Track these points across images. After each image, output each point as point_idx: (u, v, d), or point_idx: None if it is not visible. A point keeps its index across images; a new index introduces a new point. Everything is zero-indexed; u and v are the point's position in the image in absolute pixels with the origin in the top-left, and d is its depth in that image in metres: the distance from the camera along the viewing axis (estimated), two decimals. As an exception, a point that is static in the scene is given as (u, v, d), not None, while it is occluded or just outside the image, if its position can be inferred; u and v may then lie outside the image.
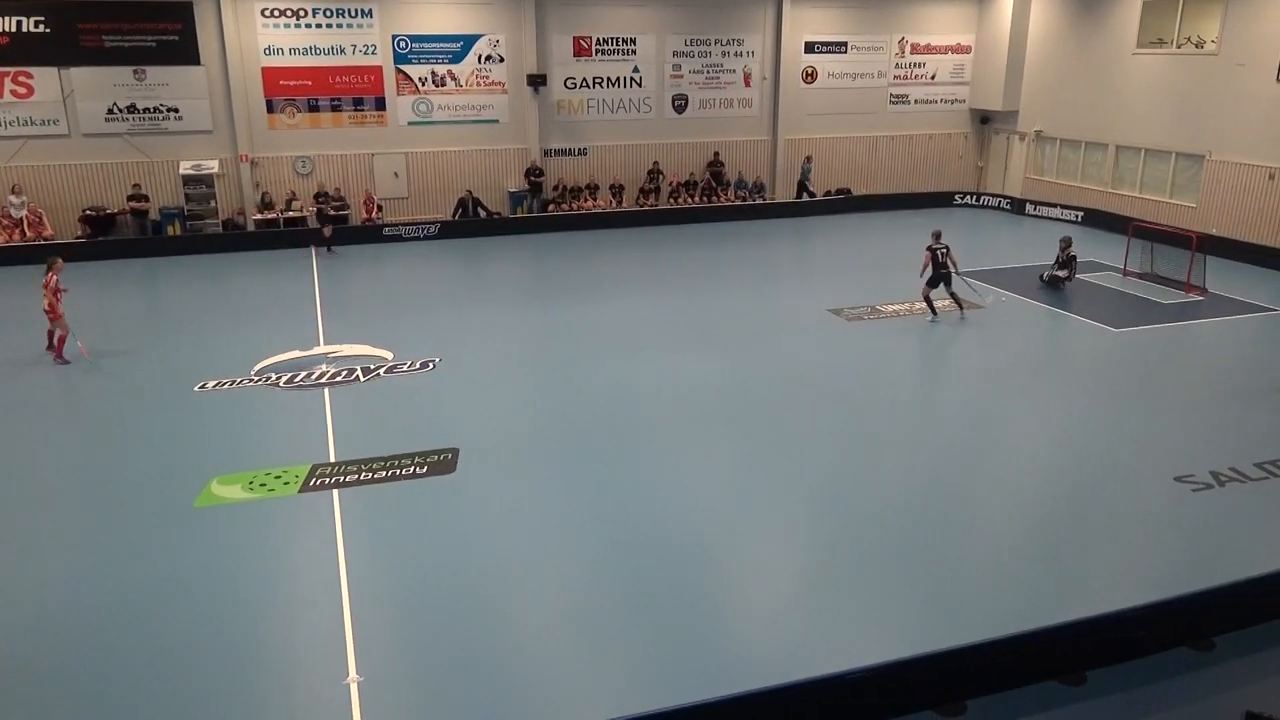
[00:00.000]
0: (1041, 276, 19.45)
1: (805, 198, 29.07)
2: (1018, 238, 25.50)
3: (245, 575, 8.74)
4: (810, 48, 29.15)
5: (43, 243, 22.82)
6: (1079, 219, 26.43)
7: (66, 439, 12.09)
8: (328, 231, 23.42)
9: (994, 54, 29.81)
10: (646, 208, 27.76)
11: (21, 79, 23.03)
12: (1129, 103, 25.80)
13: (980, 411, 12.79)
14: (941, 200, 30.03)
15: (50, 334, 15.00)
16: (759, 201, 28.85)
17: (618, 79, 27.67)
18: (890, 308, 17.65)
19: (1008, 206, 29.18)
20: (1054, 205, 27.53)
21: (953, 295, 17.15)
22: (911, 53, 30.15)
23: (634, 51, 27.59)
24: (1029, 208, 28.38)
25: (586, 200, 27.53)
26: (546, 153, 27.43)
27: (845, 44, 29.48)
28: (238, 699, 7.02)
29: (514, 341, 16.06)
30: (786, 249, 24.55)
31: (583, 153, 27.89)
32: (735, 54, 28.58)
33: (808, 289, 19.49)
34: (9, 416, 12.79)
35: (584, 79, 27.36)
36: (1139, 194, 25.71)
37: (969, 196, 30.25)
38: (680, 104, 28.40)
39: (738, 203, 28.58)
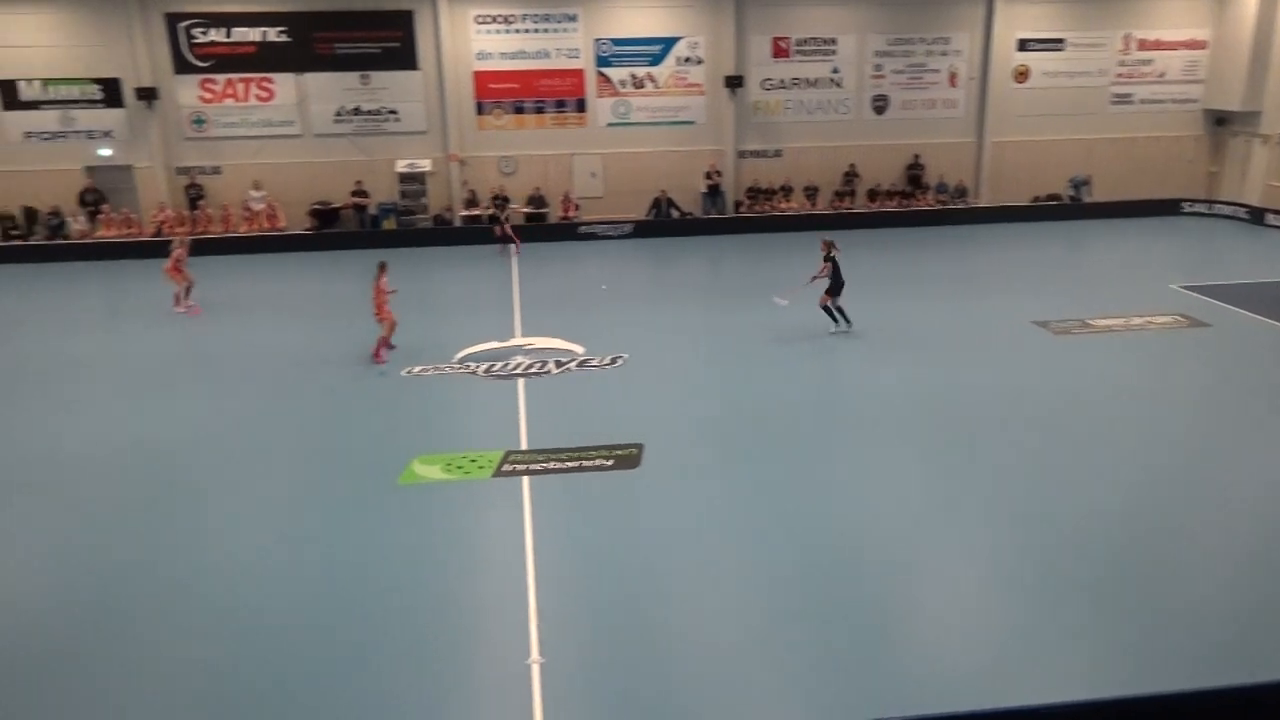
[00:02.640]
0: None
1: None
2: (1256, 250, 23.21)
3: (440, 551, 9.20)
4: (1024, 45, 27.65)
5: (276, 233, 24.98)
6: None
7: (289, 412, 13.14)
8: (498, 231, 24.12)
9: (1235, 49, 27.21)
10: (841, 210, 27.21)
11: (265, 84, 25.25)
12: (1398, 101, 22.96)
13: (1198, 440, 11.72)
14: (1166, 208, 27.76)
15: (384, 339, 15.21)
16: (961, 206, 27.67)
17: (816, 79, 27.26)
18: (1103, 322, 16.47)
19: (1246, 216, 26.58)
20: (1300, 215, 24.90)
21: (838, 307, 16.17)
22: (1138, 49, 28.03)
23: (834, 52, 27.10)
24: (1270, 217, 25.75)
25: (780, 202, 27.28)
26: (741, 154, 27.38)
27: (1062, 41, 27.76)
28: (426, 665, 7.39)
29: (702, 340, 16.11)
30: (989, 256, 23.42)
31: (778, 154, 27.65)
32: (941, 53, 27.52)
33: (1011, 299, 18.48)
34: (231, 393, 14.02)
35: (782, 80, 27.12)
36: (1406, 204, 22.83)
37: (1199, 204, 27.82)
38: (880, 105, 27.65)
39: (938, 207, 27.53)
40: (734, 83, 26.48)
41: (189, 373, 15.02)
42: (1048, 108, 28.08)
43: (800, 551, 9.01)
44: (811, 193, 27.49)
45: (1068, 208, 27.77)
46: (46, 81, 24.52)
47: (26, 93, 24.54)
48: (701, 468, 11.00)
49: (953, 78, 27.74)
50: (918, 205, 27.53)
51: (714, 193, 26.92)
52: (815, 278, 16.16)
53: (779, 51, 26.91)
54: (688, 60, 26.58)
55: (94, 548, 9.41)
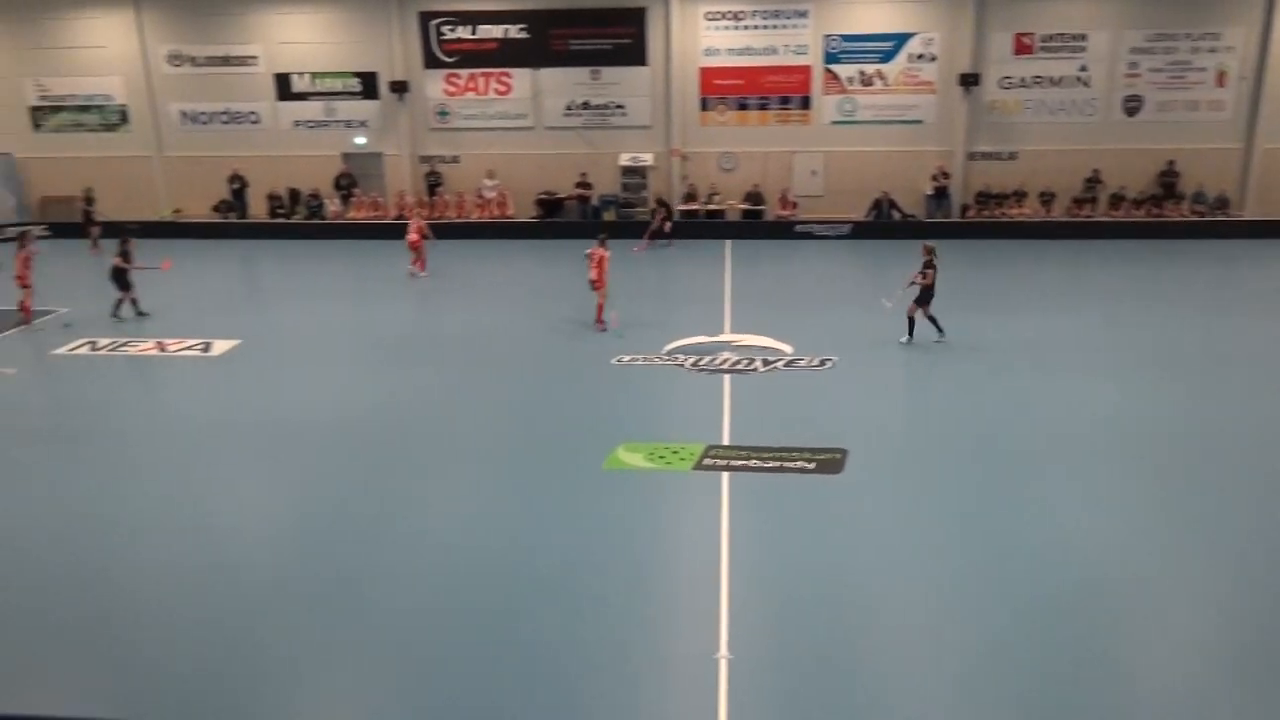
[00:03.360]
0: None
1: None
2: None
3: (638, 538, 9.35)
4: (1311, 41, 24.75)
5: (504, 220, 26.30)
6: None
7: (505, 389, 13.79)
8: (667, 227, 24.05)
9: None
10: (1080, 218, 25.42)
11: (503, 79, 26.63)
12: None
13: None
14: None
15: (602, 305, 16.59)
16: (1221, 218, 25.14)
17: (1061, 78, 25.59)
18: (1389, 355, 14.47)
19: None
20: None
21: (931, 317, 15.13)
22: None
23: (1083, 49, 25.33)
24: None
25: (1012, 207, 25.82)
26: (972, 156, 26.15)
27: (1362, 35, 24.63)
28: (617, 649, 7.53)
29: (914, 349, 15.53)
30: (1255, 274, 21.14)
31: (1012, 157, 26.19)
32: (1208, 50, 25.11)
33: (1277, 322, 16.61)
34: (454, 367, 14.86)
35: (1022, 78, 25.66)
36: None
37: None
38: (1133, 106, 25.58)
39: (1193, 219, 25.15)
40: (969, 81, 25.31)
41: (418, 346, 16.05)
42: (1336, 111, 25.00)
43: (1004, 578, 8.49)
44: (1047, 199, 25.84)
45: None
46: (315, 75, 26.97)
47: (298, 85, 27.11)
48: (907, 479, 10.60)
49: (1220, 77, 25.25)
50: (1170, 216, 25.28)
51: (940, 195, 25.86)
52: (913, 281, 15.35)
53: (1021, 48, 25.46)
54: (920, 57, 25.66)
55: (314, 505, 10.26)
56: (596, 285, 16.23)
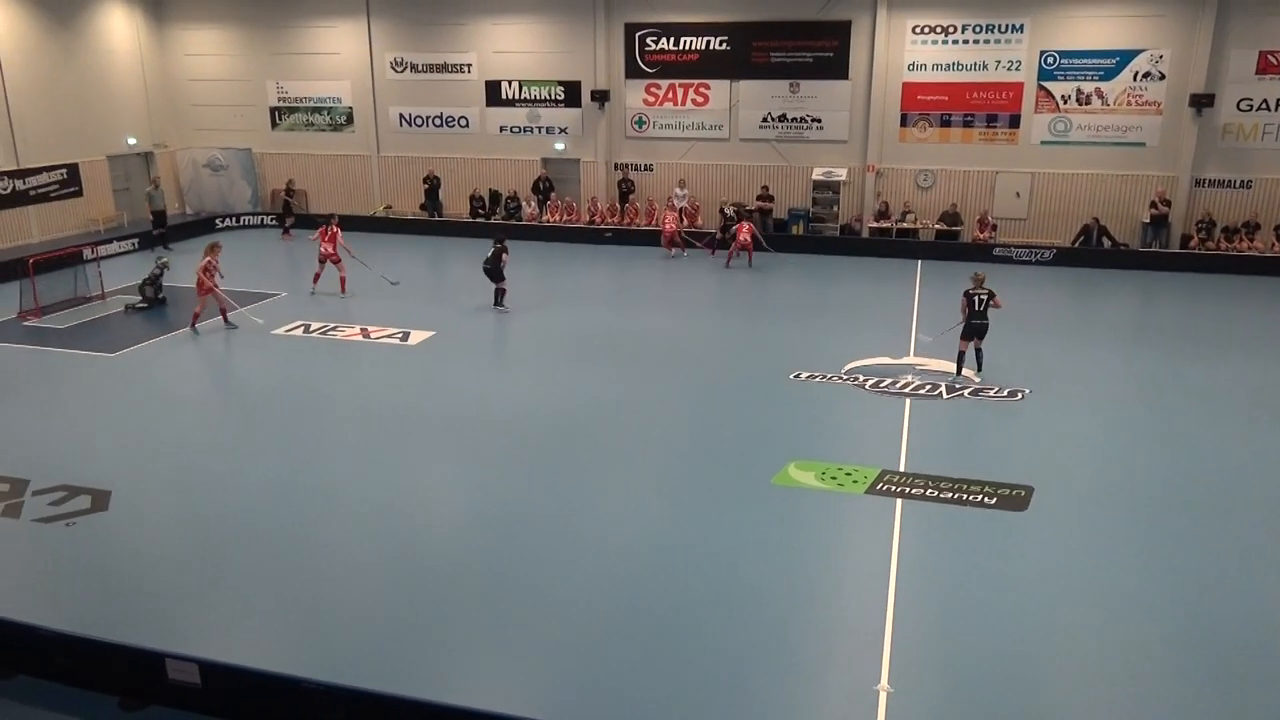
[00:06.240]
0: None
1: None
2: None
3: (804, 558, 9.19)
4: None
5: (692, 229, 26.49)
6: None
7: (681, 396, 13.88)
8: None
9: None
10: (1322, 256, 22.95)
11: (702, 90, 26.85)
12: None
13: None
14: None
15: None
16: None
17: (1311, 101, 23.21)
18: None
19: None
20: None
21: (978, 351, 14.44)
22: None
23: (1340, 68, 22.88)
24: None
25: (1241, 240, 23.65)
26: (1198, 182, 24.14)
27: None
28: (772, 666, 7.42)
29: (1116, 387, 14.46)
30: None
31: (1246, 185, 23.98)
32: None
33: None
34: (632, 373, 15.07)
35: (1265, 100, 23.43)
36: None
37: None
38: (1397, 133, 22.87)
39: None
40: (1201, 102, 23.37)
41: (599, 348, 16.36)
42: None
43: (1202, 641, 7.77)
44: (1285, 233, 23.50)
45: None
46: (522, 83, 28.14)
47: (506, 92, 28.36)
48: (1097, 525, 9.89)
49: None
50: None
51: (1158, 223, 24.00)
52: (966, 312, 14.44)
53: (1267, 67, 23.26)
54: (1147, 75, 23.92)
55: (491, 496, 10.68)
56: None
